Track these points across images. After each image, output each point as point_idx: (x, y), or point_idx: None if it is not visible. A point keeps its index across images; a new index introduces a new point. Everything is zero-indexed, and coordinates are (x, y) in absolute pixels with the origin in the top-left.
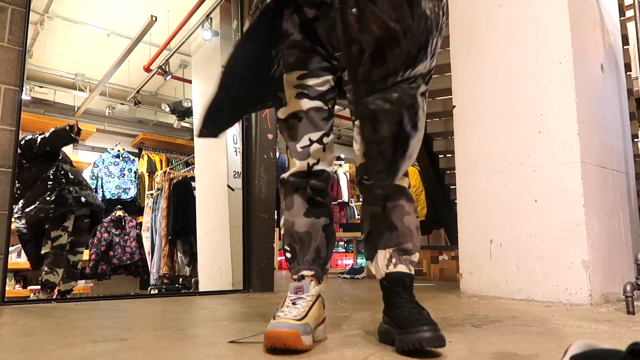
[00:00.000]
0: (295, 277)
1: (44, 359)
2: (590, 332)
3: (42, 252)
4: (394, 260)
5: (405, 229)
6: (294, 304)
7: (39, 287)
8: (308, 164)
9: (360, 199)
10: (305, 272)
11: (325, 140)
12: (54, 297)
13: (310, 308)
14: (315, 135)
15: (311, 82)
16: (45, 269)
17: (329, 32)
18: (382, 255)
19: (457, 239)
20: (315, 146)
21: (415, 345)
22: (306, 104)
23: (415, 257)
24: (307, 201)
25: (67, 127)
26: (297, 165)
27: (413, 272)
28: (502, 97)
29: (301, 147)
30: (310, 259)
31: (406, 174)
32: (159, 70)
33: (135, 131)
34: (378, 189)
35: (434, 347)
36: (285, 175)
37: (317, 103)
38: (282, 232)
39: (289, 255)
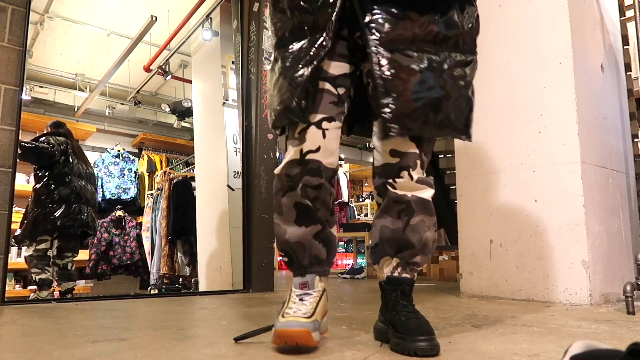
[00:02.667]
0: (296, 275)
1: (44, 359)
2: (590, 332)
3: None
4: (399, 268)
5: (422, 244)
6: (301, 300)
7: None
8: (301, 150)
9: (361, 199)
10: (307, 272)
11: (325, 124)
12: (56, 297)
13: (317, 304)
14: (315, 117)
15: (325, 64)
16: (35, 270)
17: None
18: (390, 262)
19: (457, 239)
20: (313, 130)
21: (411, 354)
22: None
23: (422, 265)
24: (295, 207)
25: (31, 143)
26: (291, 152)
27: (415, 278)
28: (502, 97)
29: (298, 133)
30: (309, 263)
31: (432, 185)
32: (159, 70)
33: (135, 131)
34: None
35: (428, 357)
36: (277, 169)
37: (326, 85)
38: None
39: (286, 259)
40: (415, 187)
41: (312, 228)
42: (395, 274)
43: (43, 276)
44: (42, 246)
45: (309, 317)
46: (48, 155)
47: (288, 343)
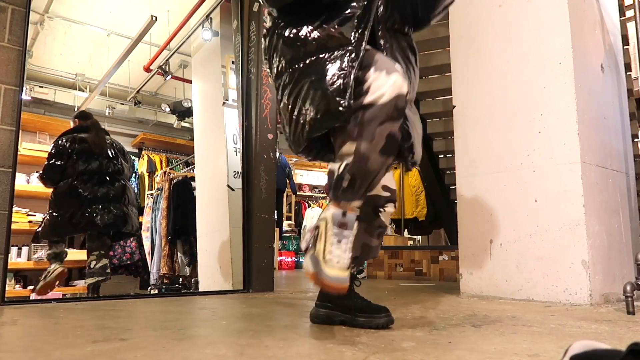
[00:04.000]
0: (340, 206)
1: (44, 359)
2: (590, 332)
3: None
4: (355, 268)
5: (376, 251)
6: (339, 242)
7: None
8: (403, 88)
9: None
10: (355, 203)
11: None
12: (89, 294)
13: (351, 252)
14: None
15: None
16: (46, 258)
17: None
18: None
19: (457, 239)
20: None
21: (384, 326)
22: None
23: None
24: (387, 137)
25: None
26: (397, 86)
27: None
28: (502, 97)
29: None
30: (364, 191)
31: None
32: (159, 70)
33: (135, 131)
34: None
35: (389, 327)
36: (384, 96)
37: None
38: (344, 156)
39: (345, 183)
40: (389, 216)
41: (388, 160)
42: (353, 270)
43: (49, 251)
44: (57, 247)
45: (346, 270)
46: (58, 171)
47: (325, 289)
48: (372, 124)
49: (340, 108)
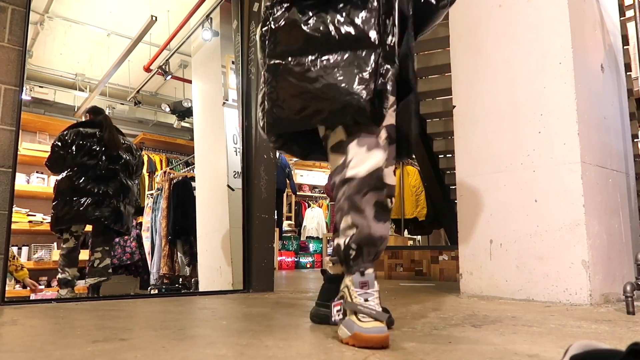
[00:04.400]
0: (356, 271)
1: (44, 359)
2: (590, 332)
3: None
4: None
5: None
6: (366, 300)
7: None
8: (385, 160)
9: None
10: (368, 268)
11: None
12: (89, 294)
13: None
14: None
15: None
16: (59, 269)
17: None
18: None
19: (457, 239)
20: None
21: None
22: None
23: None
24: (375, 204)
25: None
26: (378, 158)
27: None
28: (502, 97)
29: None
30: (373, 257)
31: None
32: (159, 70)
33: (135, 131)
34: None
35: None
36: (359, 171)
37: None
38: (345, 230)
39: (352, 253)
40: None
41: (387, 223)
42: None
43: (61, 276)
44: (66, 245)
45: (382, 321)
46: (60, 161)
47: (372, 347)
48: (357, 197)
49: (362, 101)
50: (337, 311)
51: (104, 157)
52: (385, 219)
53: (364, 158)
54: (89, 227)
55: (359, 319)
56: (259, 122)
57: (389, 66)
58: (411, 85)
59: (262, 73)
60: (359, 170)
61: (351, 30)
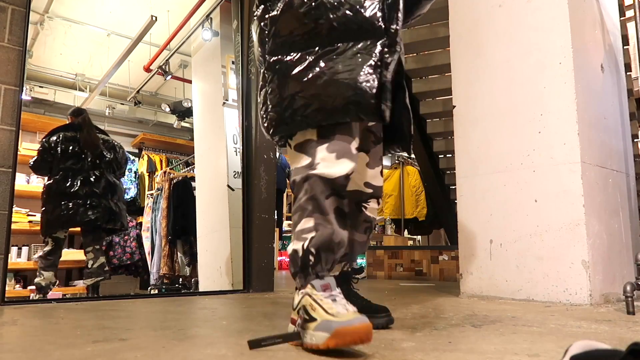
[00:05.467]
0: (314, 277)
1: (44, 359)
2: (590, 332)
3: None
4: (348, 264)
5: (364, 245)
6: (334, 300)
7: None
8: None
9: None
10: (327, 275)
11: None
12: (89, 294)
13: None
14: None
15: None
16: (37, 272)
17: None
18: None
19: (457, 239)
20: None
21: (384, 326)
22: None
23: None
24: (335, 210)
25: None
26: (349, 164)
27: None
28: (502, 97)
29: (355, 148)
30: (330, 266)
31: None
32: (159, 70)
33: (135, 131)
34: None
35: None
36: (328, 172)
37: None
38: (302, 232)
39: (312, 259)
40: (377, 210)
41: (345, 230)
42: (346, 268)
43: (36, 280)
44: (46, 247)
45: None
46: (45, 166)
47: (353, 341)
48: (321, 198)
49: (372, 101)
50: (296, 327)
51: (88, 159)
52: (344, 226)
53: (331, 164)
54: (73, 229)
55: (333, 316)
56: (261, 123)
57: (392, 57)
58: (400, 74)
59: (262, 72)
60: (325, 172)
61: (354, 18)
